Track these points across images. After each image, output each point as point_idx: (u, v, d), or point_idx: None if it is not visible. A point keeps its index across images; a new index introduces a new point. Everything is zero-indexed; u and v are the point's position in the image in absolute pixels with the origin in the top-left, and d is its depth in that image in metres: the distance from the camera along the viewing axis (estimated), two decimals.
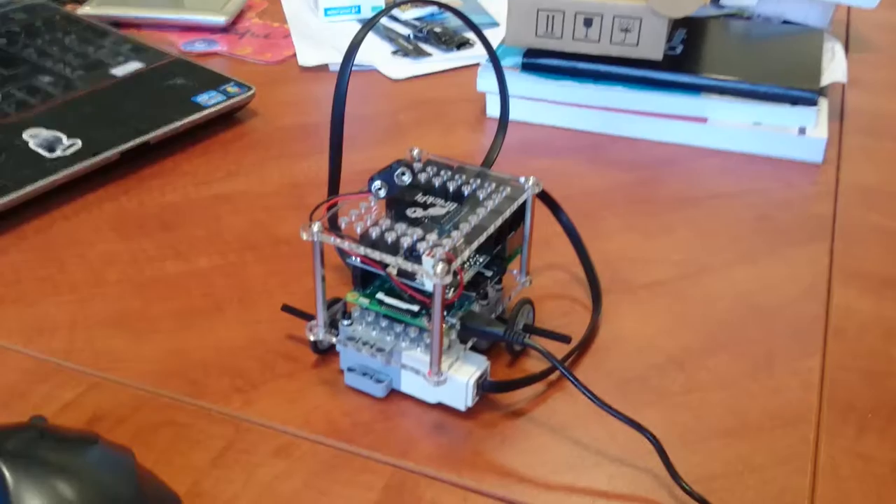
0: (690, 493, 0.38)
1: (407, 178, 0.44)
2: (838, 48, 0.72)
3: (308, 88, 0.74)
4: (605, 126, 0.66)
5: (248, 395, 0.43)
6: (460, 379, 0.41)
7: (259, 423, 0.42)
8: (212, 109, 0.65)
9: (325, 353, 0.46)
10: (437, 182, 0.44)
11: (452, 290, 0.41)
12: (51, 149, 0.59)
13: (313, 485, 0.39)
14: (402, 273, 0.41)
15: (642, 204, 0.58)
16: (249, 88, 0.68)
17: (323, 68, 0.77)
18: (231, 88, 0.67)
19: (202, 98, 0.66)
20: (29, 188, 0.55)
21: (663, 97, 0.64)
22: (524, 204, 0.44)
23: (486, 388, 0.42)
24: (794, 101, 0.62)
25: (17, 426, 0.35)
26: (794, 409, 0.43)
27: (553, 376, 0.44)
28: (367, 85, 0.74)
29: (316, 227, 0.41)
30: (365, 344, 0.42)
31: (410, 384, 0.43)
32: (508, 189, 0.44)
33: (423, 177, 0.45)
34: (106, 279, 0.51)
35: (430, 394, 0.42)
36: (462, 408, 0.42)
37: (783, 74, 0.64)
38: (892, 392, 0.44)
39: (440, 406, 0.43)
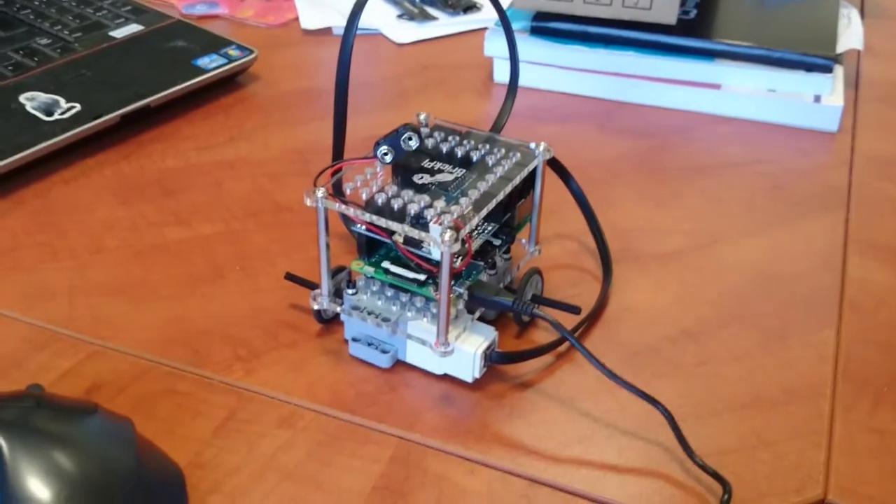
0: (703, 468, 0.37)
1: (414, 143, 0.42)
2: (854, 14, 0.70)
3: (311, 52, 0.72)
4: (616, 92, 0.65)
5: (251, 364, 0.42)
6: (467, 350, 0.40)
7: (262, 393, 0.41)
8: (213, 73, 0.63)
9: (330, 322, 0.45)
10: (444, 147, 0.43)
11: (460, 258, 0.40)
12: (48, 112, 0.57)
13: (317, 456, 0.38)
14: (408, 241, 0.40)
15: (653, 172, 0.57)
16: (251, 52, 0.66)
17: (326, 31, 0.75)
18: (232, 52, 0.66)
19: (203, 61, 0.64)
20: (26, 152, 0.54)
21: (676, 62, 0.63)
22: (534, 171, 0.43)
23: (494, 360, 0.41)
24: (810, 68, 0.61)
25: (12, 395, 0.34)
26: (809, 383, 0.42)
27: (562, 347, 0.43)
28: (372, 49, 0.73)
29: (320, 192, 0.40)
30: (370, 314, 0.41)
31: (416, 355, 0.42)
32: (518, 155, 0.43)
33: (430, 142, 0.43)
34: (106, 245, 0.50)
35: (437, 365, 0.41)
36: (469, 379, 0.41)
37: (798, 41, 0.62)
38: None
39: (447, 377, 0.42)
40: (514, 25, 0.66)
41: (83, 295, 0.46)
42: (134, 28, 0.68)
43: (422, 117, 0.45)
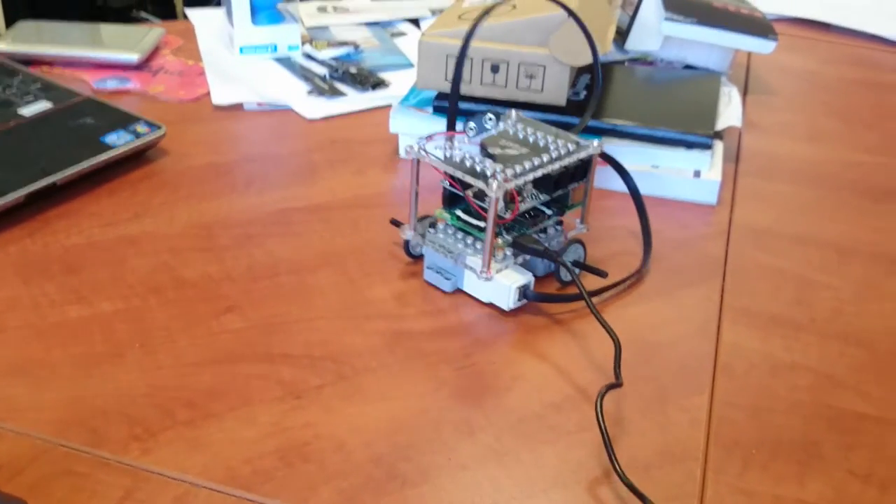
0: None
1: (491, 124, 0.56)
2: (734, 93, 0.75)
3: (221, 127, 0.74)
4: None
5: (147, 443, 0.43)
6: (505, 283, 0.52)
7: (158, 472, 0.42)
8: (120, 150, 0.65)
9: (417, 259, 0.57)
10: (521, 134, 0.56)
11: (508, 210, 0.52)
12: None
13: None
14: (476, 196, 0.53)
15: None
16: (160, 128, 0.68)
17: (237, 107, 0.77)
18: (141, 128, 0.67)
19: (111, 138, 0.66)
20: None
21: None
22: (589, 162, 0.55)
23: (530, 297, 0.53)
24: (690, 146, 0.65)
25: None
26: (682, 446, 0.45)
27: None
28: (282, 124, 0.75)
29: (416, 146, 0.53)
30: (441, 247, 0.54)
31: (471, 284, 0.54)
32: (573, 146, 0.54)
33: (511, 129, 0.56)
34: (6, 325, 0.51)
35: (484, 293, 0.53)
36: (506, 307, 0.52)
37: (680, 119, 0.67)
38: (776, 428, 0.47)
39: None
40: (418, 104, 0.70)
41: None
42: (43, 105, 0.69)
43: (513, 112, 0.57)
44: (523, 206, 0.54)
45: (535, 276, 0.54)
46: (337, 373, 0.48)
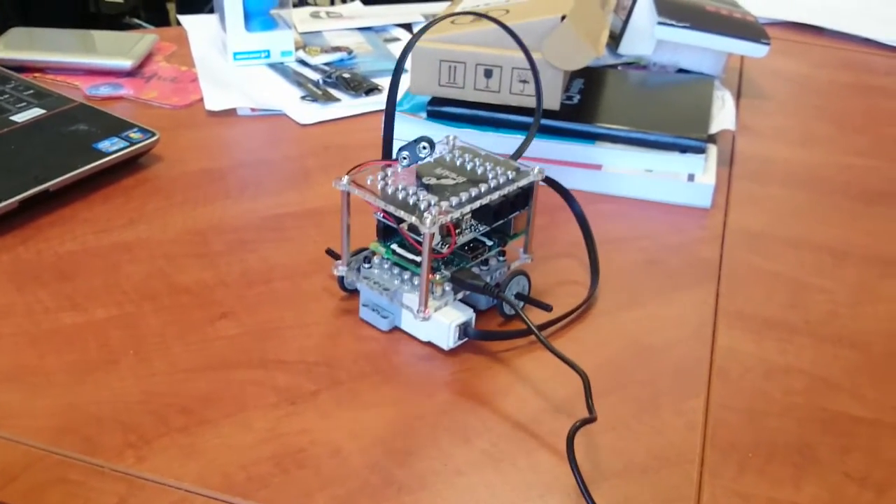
0: None
1: (427, 151, 0.52)
2: (728, 97, 0.76)
3: (214, 133, 0.74)
4: None
5: (142, 450, 0.43)
6: (443, 321, 0.49)
7: (152, 480, 0.42)
8: (114, 156, 0.65)
9: (352, 293, 0.54)
10: (458, 161, 0.53)
11: (445, 245, 0.50)
12: None
13: None
14: (411, 229, 0.50)
15: (538, 248, 0.60)
16: (153, 134, 0.68)
17: (230, 112, 0.77)
18: (134, 134, 0.67)
19: (104, 144, 0.66)
20: None
21: (560, 145, 0.67)
22: (531, 190, 0.52)
23: (471, 336, 0.50)
24: (684, 150, 0.65)
25: None
26: (678, 450, 0.45)
27: (533, 337, 0.50)
28: (276, 130, 0.75)
29: (345, 179, 0.50)
30: (376, 283, 0.51)
31: (408, 323, 0.51)
32: (514, 173, 0.52)
33: (448, 156, 0.53)
34: (0, 332, 0.50)
35: (422, 332, 0.51)
36: (445, 347, 0.50)
37: (674, 123, 0.67)
38: (771, 431, 0.47)
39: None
40: (412, 109, 0.70)
41: None
42: (35, 112, 0.69)
43: (450, 138, 0.54)
44: (461, 239, 0.52)
45: (478, 309, 0.52)
46: (332, 378, 0.48)
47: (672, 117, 0.68)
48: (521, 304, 0.53)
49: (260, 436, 0.44)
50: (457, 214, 0.48)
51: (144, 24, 2.12)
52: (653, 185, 0.66)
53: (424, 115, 0.69)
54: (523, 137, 0.66)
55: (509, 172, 0.52)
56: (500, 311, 0.53)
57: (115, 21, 2.09)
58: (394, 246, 0.52)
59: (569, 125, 0.67)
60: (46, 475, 0.42)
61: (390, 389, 0.48)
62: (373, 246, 0.53)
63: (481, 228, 0.52)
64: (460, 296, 0.51)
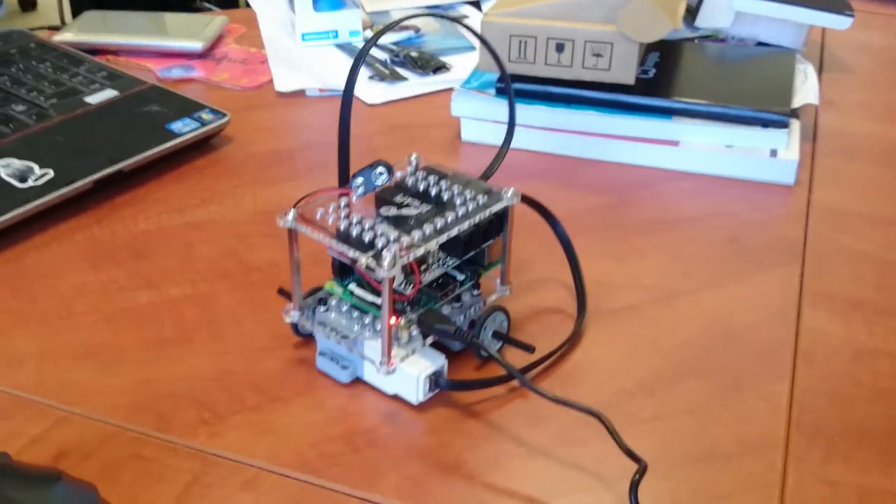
0: None
1: (384, 178, 0.46)
2: (810, 70, 0.72)
3: (284, 114, 0.74)
4: (577, 150, 0.66)
5: (215, 427, 0.43)
6: (411, 372, 0.42)
7: (225, 457, 0.42)
8: (186, 137, 0.65)
9: (308, 337, 0.48)
10: (422, 186, 0.46)
11: (409, 285, 0.43)
12: (22, 179, 0.59)
13: None
14: (369, 267, 0.42)
15: (614, 228, 0.59)
16: (224, 115, 0.68)
17: (299, 93, 0.77)
18: (206, 115, 0.67)
19: (176, 125, 0.66)
20: (0, 219, 0.55)
21: (635, 121, 0.65)
22: (505, 214, 0.46)
23: (443, 387, 0.43)
24: (766, 124, 0.63)
25: None
26: (762, 435, 0.43)
27: (515, 383, 0.45)
28: None
29: (290, 215, 0.43)
30: (333, 330, 0.44)
31: (372, 374, 0.44)
32: (486, 197, 0.45)
33: (410, 180, 0.46)
34: (76, 310, 0.51)
35: (388, 384, 0.44)
36: (414, 401, 0.43)
37: (755, 97, 0.65)
38: (859, 415, 0.44)
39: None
40: (480, 86, 0.68)
41: (52, 360, 0.47)
42: (109, 94, 0.70)
43: (412, 157, 0.48)
44: (428, 277, 0.44)
45: (453, 351, 0.46)
46: None
47: (753, 91, 0.66)
48: (500, 345, 0.47)
49: (331, 414, 0.44)
50: (421, 251, 0.41)
51: (214, 7, 2.14)
52: (733, 162, 0.63)
53: (493, 91, 0.68)
54: (596, 114, 0.65)
55: (480, 197, 0.45)
56: (477, 354, 0.47)
57: (186, 4, 2.12)
58: (351, 286, 0.45)
59: (644, 100, 0.64)
60: (121, 452, 0.42)
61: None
62: (328, 286, 0.46)
63: (450, 262, 0.45)
64: (430, 340, 0.44)
